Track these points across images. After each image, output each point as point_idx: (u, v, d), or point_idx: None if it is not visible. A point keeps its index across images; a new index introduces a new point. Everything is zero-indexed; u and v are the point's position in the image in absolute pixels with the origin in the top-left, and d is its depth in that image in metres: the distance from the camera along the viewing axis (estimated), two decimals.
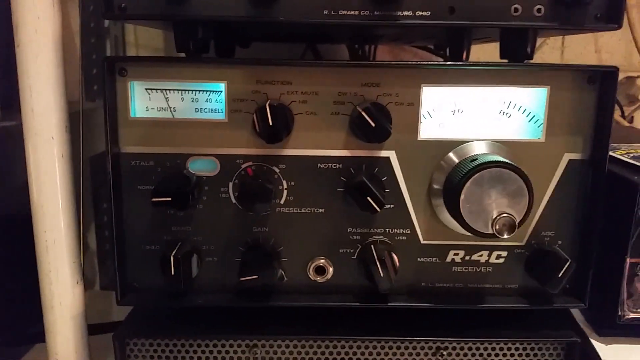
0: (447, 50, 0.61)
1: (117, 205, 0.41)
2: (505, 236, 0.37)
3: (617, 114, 0.89)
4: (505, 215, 0.37)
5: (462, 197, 0.38)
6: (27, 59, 0.37)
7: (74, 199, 0.42)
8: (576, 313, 0.48)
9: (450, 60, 0.57)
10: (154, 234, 0.41)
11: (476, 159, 0.38)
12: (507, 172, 0.38)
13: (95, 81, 0.68)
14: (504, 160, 0.38)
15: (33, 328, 0.45)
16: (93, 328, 0.47)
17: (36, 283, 0.42)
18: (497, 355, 0.44)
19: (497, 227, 0.37)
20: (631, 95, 0.93)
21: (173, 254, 0.39)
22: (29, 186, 0.40)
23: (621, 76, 0.90)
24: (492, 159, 0.38)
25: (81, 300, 0.43)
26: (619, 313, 0.42)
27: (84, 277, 0.44)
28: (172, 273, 0.39)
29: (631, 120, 0.93)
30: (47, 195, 0.40)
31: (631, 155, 0.46)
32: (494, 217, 0.37)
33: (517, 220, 0.37)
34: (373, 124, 0.37)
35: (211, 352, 0.43)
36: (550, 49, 0.91)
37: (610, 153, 0.47)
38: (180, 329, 0.43)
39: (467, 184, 0.37)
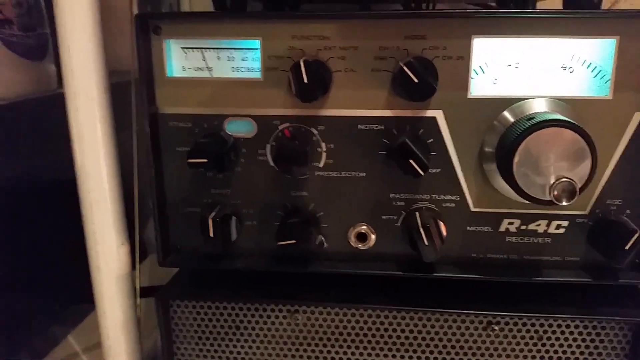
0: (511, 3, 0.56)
1: (157, 167, 0.40)
2: (564, 203, 0.34)
3: None
4: (564, 180, 0.34)
5: (516, 159, 0.34)
6: (65, 19, 0.37)
7: (116, 160, 0.42)
8: None
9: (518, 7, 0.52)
10: (193, 196, 0.41)
11: (533, 118, 0.35)
12: (567, 132, 0.34)
13: None
14: (565, 118, 0.34)
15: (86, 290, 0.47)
16: (145, 291, 0.48)
17: None
18: (554, 332, 0.40)
19: (556, 193, 0.34)
20: None
21: (212, 216, 0.38)
22: (72, 148, 0.41)
23: None
24: (550, 117, 0.34)
25: (126, 262, 0.44)
26: None
27: (145, 244, 0.45)
28: (211, 235, 0.38)
29: None
30: (90, 156, 0.40)
31: None
32: (552, 182, 0.34)
33: (578, 186, 0.34)
34: (416, 80, 0.34)
35: (252, 315, 0.42)
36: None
37: None
38: (222, 293, 0.42)
39: (522, 144, 0.34)
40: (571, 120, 0.34)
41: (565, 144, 0.34)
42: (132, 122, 0.45)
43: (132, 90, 0.45)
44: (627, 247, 0.36)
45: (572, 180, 0.34)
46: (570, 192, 0.34)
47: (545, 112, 0.36)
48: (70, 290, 0.73)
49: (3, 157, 0.50)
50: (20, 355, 0.61)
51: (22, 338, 0.63)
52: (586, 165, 0.34)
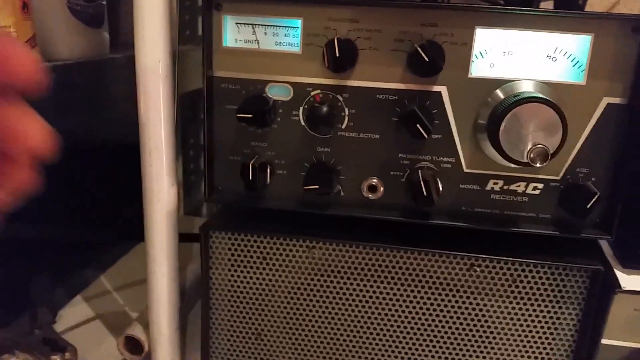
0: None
1: (209, 120, 0.49)
2: (538, 165, 0.42)
3: None
4: (539, 146, 0.42)
5: (502, 127, 0.43)
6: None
7: (173, 114, 0.50)
8: (607, 248, 0.52)
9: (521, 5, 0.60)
10: (237, 146, 0.50)
11: (518, 95, 0.43)
12: (545, 108, 0.42)
13: (188, 25, 0.76)
14: (543, 97, 0.42)
15: (137, 228, 0.56)
16: (182, 237, 0.57)
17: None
18: (526, 276, 0.49)
19: (532, 156, 0.42)
20: None
21: (251, 162, 0.47)
22: (138, 101, 0.49)
23: None
24: (532, 95, 0.42)
25: (175, 199, 0.53)
26: None
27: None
28: (250, 178, 0.47)
29: None
30: (152, 108, 0.49)
31: None
32: (529, 147, 0.42)
33: (551, 151, 0.42)
34: (427, 59, 0.43)
35: (277, 249, 0.51)
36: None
37: None
38: (254, 227, 0.51)
39: (508, 115, 0.42)
40: (548, 99, 0.42)
41: (542, 117, 0.42)
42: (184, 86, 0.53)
43: (177, 59, 0.53)
44: (588, 206, 0.45)
45: (546, 146, 0.42)
46: (544, 155, 0.42)
47: (529, 91, 0.44)
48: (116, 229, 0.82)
49: (66, 110, 0.58)
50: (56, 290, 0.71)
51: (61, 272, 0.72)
52: (558, 135, 0.42)
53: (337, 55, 0.43)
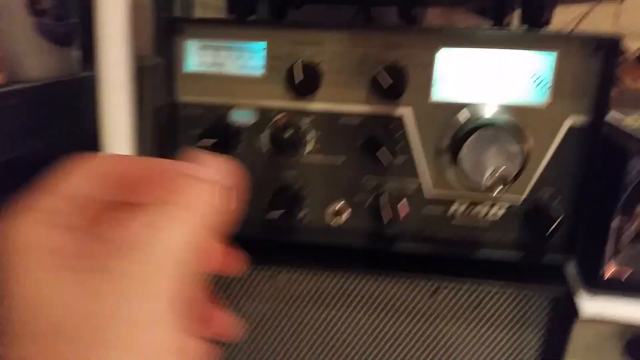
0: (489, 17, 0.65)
1: (171, 147, 0.48)
2: (499, 189, 0.43)
3: None
4: (499, 170, 0.42)
5: (463, 153, 0.43)
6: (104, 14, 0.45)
7: (136, 140, 0.50)
8: (572, 269, 0.52)
9: (495, 23, 0.61)
10: None
11: (479, 119, 0.44)
12: (504, 133, 0.43)
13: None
14: (503, 122, 0.43)
15: None
16: None
17: None
18: (489, 301, 0.49)
19: (492, 181, 0.43)
20: None
21: None
22: (98, 123, 0.48)
23: None
24: (492, 121, 0.43)
25: None
26: (604, 270, 0.46)
27: None
28: None
29: None
30: (114, 127, 0.48)
31: (637, 125, 0.50)
32: (489, 172, 0.43)
33: (510, 176, 0.43)
34: (389, 83, 0.43)
35: (241, 276, 0.50)
36: (604, 18, 0.91)
37: (619, 120, 0.51)
38: None
39: (469, 141, 0.43)
40: (508, 124, 0.43)
41: (502, 142, 0.43)
42: (148, 108, 0.52)
43: (148, 81, 0.53)
44: (550, 230, 0.45)
45: (506, 170, 0.42)
46: (504, 179, 0.43)
47: (490, 116, 0.45)
48: None
49: (34, 131, 0.57)
50: None
51: None
52: (518, 159, 0.43)
53: (301, 78, 0.43)
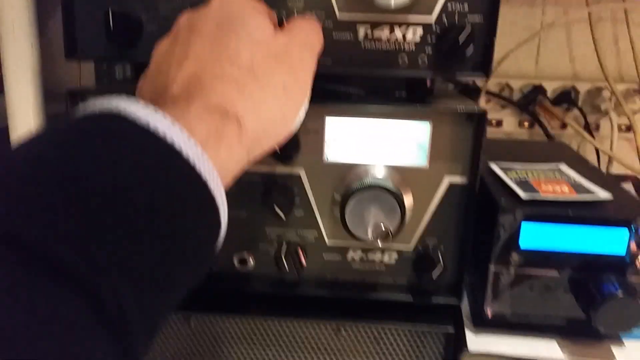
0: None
1: None
2: (380, 242, 0.47)
3: (579, 124, 0.94)
4: (380, 227, 0.47)
5: (347, 210, 0.47)
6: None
7: None
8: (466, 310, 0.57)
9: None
10: None
11: (363, 181, 0.48)
12: (384, 193, 0.47)
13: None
14: (383, 184, 0.47)
15: None
16: None
17: None
18: (388, 337, 0.53)
19: (374, 236, 0.47)
20: (596, 105, 0.98)
21: None
22: None
23: (588, 86, 0.96)
24: (372, 183, 0.47)
25: None
26: (487, 310, 0.51)
27: None
28: None
29: (597, 128, 0.98)
30: None
31: (518, 178, 0.54)
32: (372, 228, 0.47)
33: (391, 231, 0.47)
34: (280, 149, 0.47)
35: None
36: (525, 58, 0.97)
37: (504, 170, 0.56)
38: None
39: (352, 199, 0.47)
40: (386, 185, 0.47)
41: (383, 201, 0.47)
42: None
43: None
44: (433, 276, 0.50)
45: (387, 226, 0.47)
46: (385, 235, 0.47)
47: (374, 178, 0.48)
48: None
49: None
50: None
51: None
52: (397, 216, 0.47)
53: None
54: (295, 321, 0.53)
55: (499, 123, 1.00)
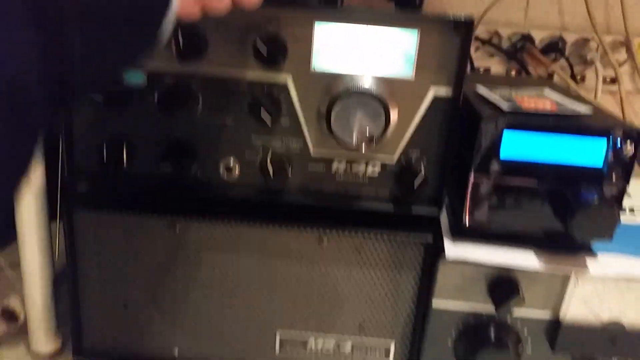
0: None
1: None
2: (365, 147, 0.48)
3: (566, 74, 0.95)
4: (365, 131, 0.47)
5: (333, 115, 0.48)
6: None
7: None
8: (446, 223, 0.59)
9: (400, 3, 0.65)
10: (95, 130, 0.53)
11: (350, 89, 0.48)
12: (369, 99, 0.47)
13: None
14: (368, 89, 0.47)
15: None
16: None
17: None
18: (369, 247, 0.55)
19: (358, 140, 0.48)
20: (583, 55, 0.99)
21: (109, 144, 0.50)
22: None
23: (576, 37, 0.97)
24: (358, 89, 0.48)
25: (43, 180, 0.55)
26: (465, 219, 0.52)
27: None
28: (108, 159, 0.50)
29: (583, 80, 0.99)
30: None
31: (502, 95, 0.55)
32: (356, 132, 0.48)
33: (375, 135, 0.48)
34: (266, 52, 0.47)
35: (142, 226, 0.55)
36: (515, 8, 0.97)
37: (485, 92, 0.56)
38: (117, 206, 0.55)
39: (338, 104, 0.48)
40: (372, 91, 0.47)
41: (368, 107, 0.48)
42: None
43: None
44: (414, 186, 0.51)
45: (371, 131, 0.47)
46: (369, 139, 0.48)
47: (360, 86, 0.49)
48: None
49: None
50: None
51: None
52: (381, 121, 0.48)
53: (181, 44, 0.47)
54: (279, 229, 0.54)
55: (487, 70, 1.00)
